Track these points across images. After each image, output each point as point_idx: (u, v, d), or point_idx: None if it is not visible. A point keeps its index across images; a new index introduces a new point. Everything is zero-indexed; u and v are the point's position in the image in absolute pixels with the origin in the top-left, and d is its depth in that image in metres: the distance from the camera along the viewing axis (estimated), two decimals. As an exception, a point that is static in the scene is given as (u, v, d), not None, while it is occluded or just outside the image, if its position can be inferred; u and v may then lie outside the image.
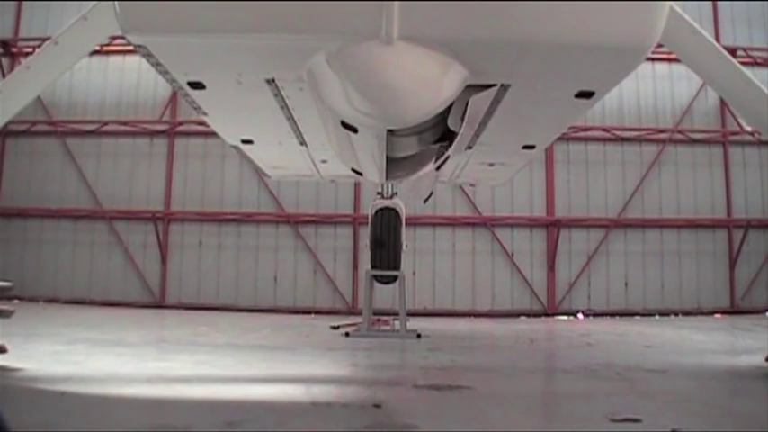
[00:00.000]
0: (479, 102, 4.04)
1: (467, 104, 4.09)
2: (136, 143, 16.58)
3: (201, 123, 6.29)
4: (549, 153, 15.59)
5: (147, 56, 3.62)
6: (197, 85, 4.06)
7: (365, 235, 11.89)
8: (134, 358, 6.74)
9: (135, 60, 14.93)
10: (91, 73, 16.38)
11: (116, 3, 3.28)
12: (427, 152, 5.53)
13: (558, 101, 4.29)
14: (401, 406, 4.61)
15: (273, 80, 3.95)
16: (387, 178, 6.45)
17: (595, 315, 15.44)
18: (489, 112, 4.36)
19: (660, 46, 4.12)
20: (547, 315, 15.44)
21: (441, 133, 5.01)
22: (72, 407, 4.28)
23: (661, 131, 16.23)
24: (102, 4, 5.14)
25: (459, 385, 5.30)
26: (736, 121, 15.46)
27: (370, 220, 10.72)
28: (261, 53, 3.63)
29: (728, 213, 16.15)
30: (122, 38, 3.51)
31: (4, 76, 15.53)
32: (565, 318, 15.28)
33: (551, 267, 15.85)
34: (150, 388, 5.04)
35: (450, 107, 3.94)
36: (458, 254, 15.79)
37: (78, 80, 16.30)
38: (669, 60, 15.27)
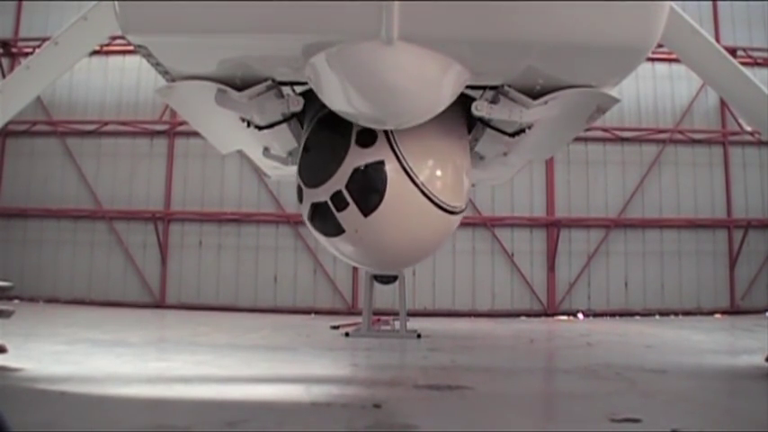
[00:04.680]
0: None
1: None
2: (136, 143, 16.58)
3: (201, 123, 6.30)
4: (549, 153, 15.59)
5: (147, 56, 3.63)
6: None
7: (365, 235, 11.86)
8: (134, 358, 6.73)
9: (135, 60, 14.92)
10: (91, 73, 16.38)
11: (116, 3, 3.29)
12: None
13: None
14: (401, 406, 4.61)
15: (273, 80, 3.96)
16: None
17: (595, 315, 15.45)
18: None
19: (660, 46, 4.12)
20: (547, 315, 15.45)
21: None
22: (72, 407, 4.28)
23: (661, 131, 16.24)
24: (102, 4, 5.15)
25: (459, 385, 5.29)
26: (736, 121, 15.47)
27: (370, 221, 10.68)
28: (261, 53, 3.64)
29: (728, 213, 16.16)
30: (122, 38, 3.52)
31: (4, 76, 15.55)
32: (565, 318, 15.28)
33: (551, 267, 15.85)
34: (150, 388, 5.03)
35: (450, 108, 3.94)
36: (458, 254, 15.79)
37: (78, 80, 16.31)
38: (669, 60, 15.28)
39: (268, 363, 6.82)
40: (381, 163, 3.99)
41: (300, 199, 4.43)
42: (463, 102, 4.54)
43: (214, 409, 4.35)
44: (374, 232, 4.13)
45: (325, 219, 4.23)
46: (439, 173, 4.27)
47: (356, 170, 3.99)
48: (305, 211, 4.43)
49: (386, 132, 4.01)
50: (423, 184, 4.07)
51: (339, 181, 4.04)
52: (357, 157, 4.00)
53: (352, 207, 4.04)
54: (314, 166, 4.23)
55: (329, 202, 4.11)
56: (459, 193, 4.44)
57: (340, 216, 4.12)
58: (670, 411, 4.39)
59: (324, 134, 4.25)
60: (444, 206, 4.23)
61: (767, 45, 16.28)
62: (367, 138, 4.00)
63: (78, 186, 16.38)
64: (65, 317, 11.83)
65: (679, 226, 16.05)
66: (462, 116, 4.66)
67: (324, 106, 4.27)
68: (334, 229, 4.24)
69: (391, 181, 3.99)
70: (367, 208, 4.02)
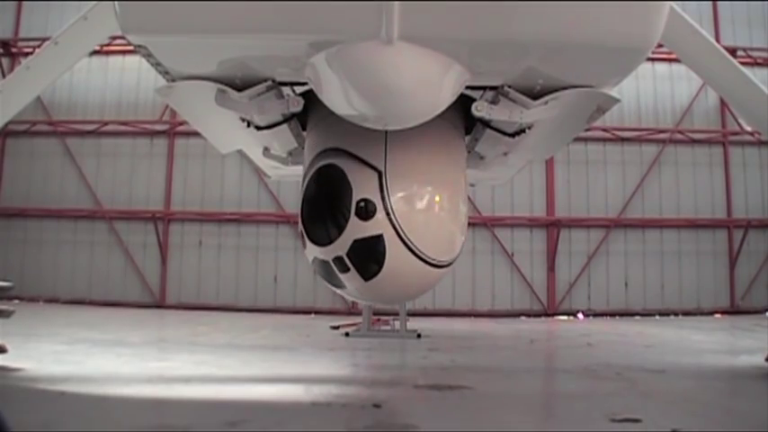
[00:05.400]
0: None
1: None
2: (136, 143, 16.58)
3: (201, 123, 6.29)
4: (549, 153, 15.60)
5: (147, 56, 3.62)
6: None
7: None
8: (134, 358, 6.74)
9: (135, 60, 14.90)
10: (91, 73, 16.40)
11: (116, 3, 3.28)
12: None
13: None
14: (401, 406, 4.62)
15: (274, 80, 3.96)
16: None
17: (595, 315, 15.45)
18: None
19: (660, 46, 4.12)
20: (547, 315, 15.45)
21: None
22: (72, 407, 4.29)
23: (661, 131, 16.24)
24: (102, 4, 5.15)
25: (459, 385, 5.30)
26: (736, 121, 15.47)
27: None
28: (261, 53, 3.63)
29: (728, 213, 16.16)
30: (122, 38, 3.51)
31: (4, 76, 15.54)
32: (565, 318, 15.28)
33: (551, 267, 15.85)
34: (150, 388, 5.03)
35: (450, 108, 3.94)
36: (458, 254, 15.78)
37: (78, 80, 16.31)
38: (669, 60, 15.29)
39: (268, 363, 6.82)
40: (380, 236, 4.11)
41: (304, 245, 4.55)
42: (463, 152, 4.81)
43: (214, 409, 4.35)
44: (374, 290, 4.42)
45: (327, 273, 4.42)
46: (436, 239, 4.40)
47: (356, 241, 4.13)
48: (309, 257, 4.56)
49: (384, 206, 4.11)
50: (420, 251, 4.21)
51: (340, 248, 4.17)
52: (357, 230, 4.12)
53: (353, 272, 4.22)
54: (315, 227, 4.35)
55: (331, 263, 4.29)
56: (453, 250, 4.60)
57: (342, 276, 4.32)
58: (670, 411, 4.39)
59: (323, 196, 4.34)
60: (439, 264, 4.40)
61: (767, 45, 16.29)
62: (366, 211, 4.10)
63: (78, 186, 16.38)
64: (65, 317, 11.83)
65: (679, 226, 16.05)
66: (463, 172, 4.77)
67: (321, 154, 4.36)
68: (336, 282, 4.46)
69: (390, 252, 4.12)
70: (367, 274, 4.21)
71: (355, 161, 4.19)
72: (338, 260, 4.23)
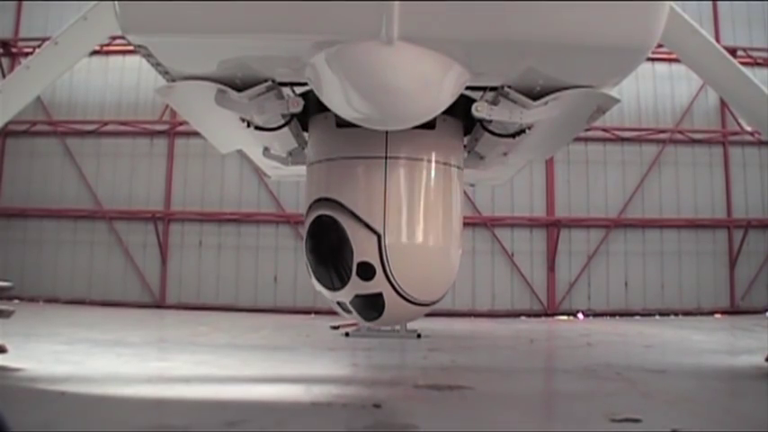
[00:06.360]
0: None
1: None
2: (136, 143, 16.59)
3: (201, 123, 6.29)
4: (549, 153, 15.60)
5: (147, 56, 3.63)
6: None
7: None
8: (134, 358, 6.73)
9: (135, 60, 14.93)
10: (91, 73, 16.40)
11: (116, 3, 3.28)
12: None
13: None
14: (401, 406, 4.61)
15: (274, 81, 3.96)
16: None
17: (595, 315, 15.45)
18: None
19: (660, 46, 4.12)
20: (547, 315, 15.45)
21: None
22: (72, 407, 4.28)
23: (661, 131, 16.25)
24: (102, 4, 5.14)
25: (459, 385, 5.29)
26: (736, 121, 15.48)
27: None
28: (261, 53, 3.63)
29: (728, 213, 16.16)
30: (122, 38, 3.51)
31: (4, 76, 15.55)
32: (565, 318, 15.28)
33: (551, 267, 15.85)
34: (150, 388, 5.03)
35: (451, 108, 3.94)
36: (458, 254, 15.77)
37: (78, 80, 16.32)
38: (669, 60, 15.29)
39: (268, 363, 6.82)
40: (380, 294, 4.39)
41: (309, 275, 4.79)
42: (461, 196, 4.95)
43: (214, 409, 4.35)
44: (374, 324, 5.03)
45: (333, 304, 4.77)
46: (432, 287, 4.71)
47: (357, 296, 4.44)
48: (315, 287, 4.81)
49: (384, 269, 4.29)
50: (416, 299, 4.51)
51: (343, 296, 4.51)
52: (358, 287, 4.38)
53: (355, 314, 4.65)
54: (319, 272, 4.62)
55: (336, 303, 4.66)
56: (446, 289, 4.90)
57: (345, 313, 4.73)
58: (670, 411, 4.39)
59: (326, 250, 4.51)
60: (433, 303, 4.77)
61: (767, 45, 16.29)
62: (366, 272, 4.32)
63: (78, 186, 16.38)
64: (65, 317, 11.82)
65: (679, 226, 16.06)
66: (460, 217, 4.89)
67: (323, 201, 4.49)
68: (340, 311, 4.80)
69: (389, 304, 4.43)
70: (368, 318, 4.70)
71: (356, 221, 4.32)
72: (342, 304, 4.57)
